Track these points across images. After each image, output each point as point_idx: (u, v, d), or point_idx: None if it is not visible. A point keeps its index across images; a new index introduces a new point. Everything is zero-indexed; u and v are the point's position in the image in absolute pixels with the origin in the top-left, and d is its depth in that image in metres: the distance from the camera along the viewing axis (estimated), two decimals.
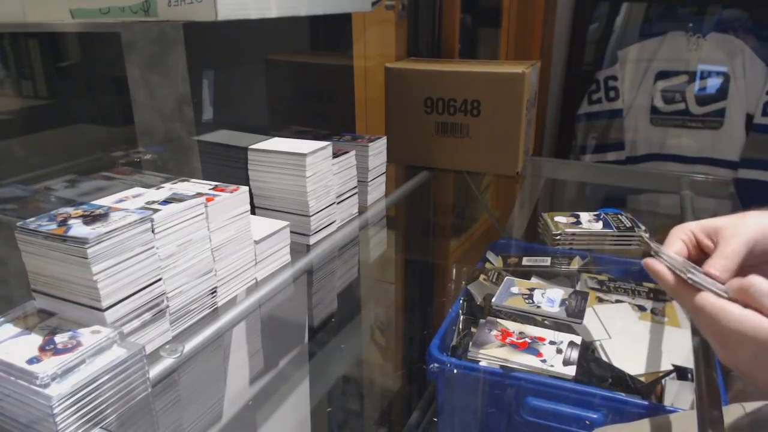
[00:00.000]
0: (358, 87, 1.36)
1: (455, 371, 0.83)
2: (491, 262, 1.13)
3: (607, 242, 1.08)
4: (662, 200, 1.53)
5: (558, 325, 0.89)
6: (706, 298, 0.45)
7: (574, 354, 0.82)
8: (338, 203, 0.97)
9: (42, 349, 0.54)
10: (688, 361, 0.84)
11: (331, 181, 0.94)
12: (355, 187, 1.03)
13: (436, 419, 1.01)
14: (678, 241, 0.51)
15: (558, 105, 2.44)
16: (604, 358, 0.87)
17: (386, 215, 1.14)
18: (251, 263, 0.79)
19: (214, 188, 0.74)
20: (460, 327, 0.95)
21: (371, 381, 1.26)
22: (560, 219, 1.10)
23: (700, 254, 0.51)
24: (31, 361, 0.52)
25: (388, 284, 1.30)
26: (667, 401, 0.78)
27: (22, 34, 0.81)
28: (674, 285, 0.48)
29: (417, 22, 1.50)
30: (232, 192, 0.74)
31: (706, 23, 2.18)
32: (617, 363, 0.85)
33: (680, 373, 0.83)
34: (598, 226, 1.08)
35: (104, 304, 0.58)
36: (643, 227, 1.06)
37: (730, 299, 0.44)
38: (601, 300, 1.01)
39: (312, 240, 0.92)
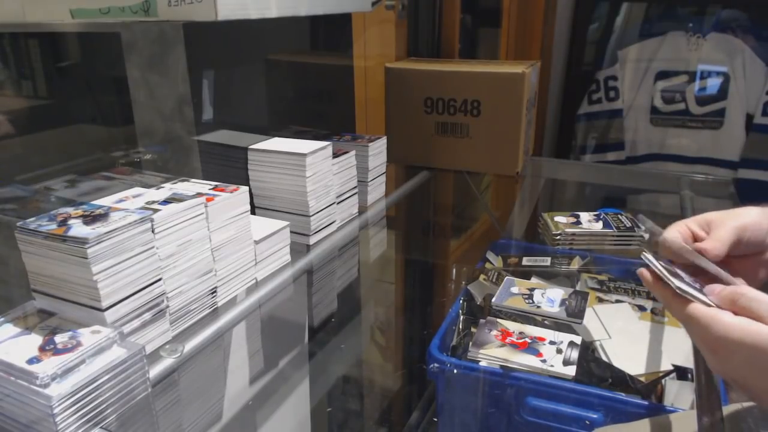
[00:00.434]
0: (358, 87, 1.36)
1: (455, 371, 0.83)
2: (491, 262, 1.13)
3: (607, 242, 1.08)
4: (662, 200, 1.53)
5: (558, 325, 0.89)
6: (696, 308, 0.45)
7: (574, 354, 0.82)
8: (338, 203, 0.97)
9: (42, 349, 0.54)
10: (688, 361, 0.84)
11: (331, 181, 0.94)
12: (355, 187, 1.03)
13: (436, 419, 1.01)
14: (675, 232, 0.53)
15: (558, 105, 2.44)
16: (604, 358, 0.87)
17: (386, 215, 1.14)
18: (251, 263, 0.79)
19: (214, 188, 0.74)
20: (460, 327, 0.95)
21: (371, 381, 1.26)
22: (560, 219, 1.10)
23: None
24: (31, 361, 0.52)
25: (388, 284, 1.30)
26: (667, 401, 0.78)
27: (22, 34, 0.81)
28: (665, 295, 0.48)
29: (417, 22, 1.50)
30: (232, 192, 0.74)
31: (706, 23, 2.18)
32: (617, 363, 0.85)
33: (680, 373, 0.83)
34: (598, 226, 1.08)
35: (104, 304, 0.58)
36: (644, 227, 1.06)
37: (720, 308, 0.44)
38: (601, 300, 1.01)
39: (312, 240, 0.92)
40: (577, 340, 0.85)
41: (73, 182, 0.82)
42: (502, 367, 0.81)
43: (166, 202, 0.67)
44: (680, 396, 0.78)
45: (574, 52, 2.36)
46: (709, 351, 0.45)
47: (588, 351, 0.86)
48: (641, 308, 0.98)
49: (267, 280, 0.82)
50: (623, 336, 0.91)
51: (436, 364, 0.84)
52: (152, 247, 0.62)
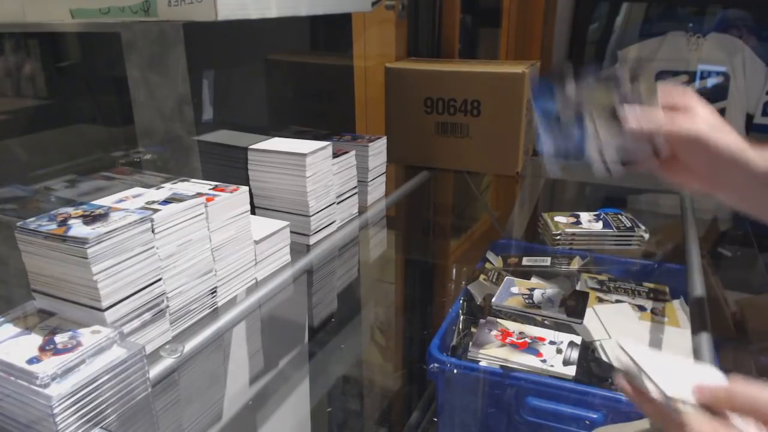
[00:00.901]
0: (358, 87, 1.36)
1: (455, 371, 0.83)
2: (491, 262, 1.13)
3: (607, 242, 1.08)
4: (662, 200, 1.53)
5: (558, 325, 0.89)
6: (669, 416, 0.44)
7: (574, 354, 0.82)
8: (338, 203, 0.97)
9: (42, 349, 0.54)
10: None
11: (331, 181, 0.94)
12: (355, 187, 1.03)
13: (436, 419, 1.01)
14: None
15: None
16: (604, 358, 0.87)
17: (386, 215, 1.14)
18: (251, 263, 0.79)
19: (214, 188, 0.74)
20: (460, 327, 0.95)
21: (371, 381, 1.26)
22: (560, 219, 1.11)
23: None
24: (31, 361, 0.52)
25: (388, 284, 1.30)
26: None
27: (22, 34, 0.81)
28: (639, 401, 0.47)
29: (417, 22, 1.50)
30: (232, 192, 0.74)
31: (706, 23, 2.18)
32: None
33: None
34: (598, 226, 1.08)
35: (104, 304, 0.58)
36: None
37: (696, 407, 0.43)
38: (601, 300, 1.01)
39: (312, 240, 0.92)
40: (577, 340, 0.85)
41: (73, 182, 0.82)
42: (502, 367, 0.81)
43: (166, 202, 0.67)
44: None
45: (574, 52, 2.36)
46: None
47: (588, 351, 0.86)
48: (641, 308, 0.98)
49: (267, 280, 0.82)
50: (623, 336, 0.91)
51: (436, 364, 0.84)
52: (152, 247, 0.62)
